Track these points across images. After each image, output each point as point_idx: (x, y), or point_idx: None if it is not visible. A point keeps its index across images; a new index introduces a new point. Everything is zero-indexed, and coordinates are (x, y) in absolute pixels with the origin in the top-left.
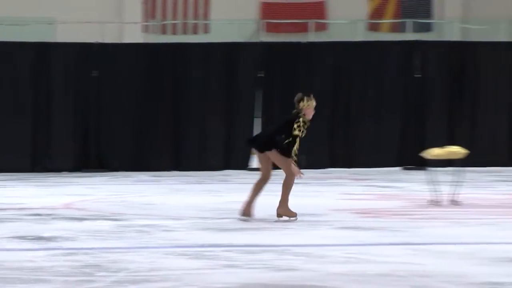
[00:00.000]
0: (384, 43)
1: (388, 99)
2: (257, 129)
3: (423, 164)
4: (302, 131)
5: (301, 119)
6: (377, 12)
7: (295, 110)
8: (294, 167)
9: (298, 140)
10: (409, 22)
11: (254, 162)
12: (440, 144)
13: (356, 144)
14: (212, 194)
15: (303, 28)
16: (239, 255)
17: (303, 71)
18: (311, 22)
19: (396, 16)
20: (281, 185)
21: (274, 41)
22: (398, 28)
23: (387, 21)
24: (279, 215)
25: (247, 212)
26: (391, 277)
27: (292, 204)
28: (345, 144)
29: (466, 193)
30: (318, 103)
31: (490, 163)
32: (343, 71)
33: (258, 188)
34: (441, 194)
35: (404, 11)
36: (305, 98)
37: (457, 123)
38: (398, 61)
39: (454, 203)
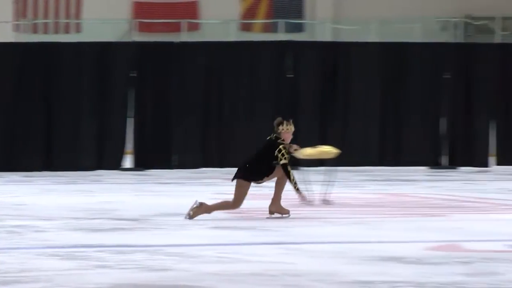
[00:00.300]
0: (257, 43)
1: (260, 99)
2: (129, 129)
3: (295, 163)
4: (286, 158)
5: (281, 147)
6: (249, 12)
7: (274, 134)
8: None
9: (289, 167)
10: (281, 22)
11: (127, 162)
12: (312, 144)
13: (228, 143)
14: (84, 194)
15: (176, 28)
16: (111, 256)
17: (175, 71)
18: (184, 22)
19: (268, 16)
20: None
21: (146, 40)
22: (270, 28)
23: (259, 21)
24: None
25: (283, 210)
26: (263, 276)
27: (164, 204)
28: (217, 144)
29: (337, 193)
30: (190, 103)
31: (361, 163)
32: (216, 71)
33: (279, 185)
34: (313, 193)
35: (276, 12)
36: (285, 122)
37: (329, 123)
38: (270, 61)
39: (326, 202)
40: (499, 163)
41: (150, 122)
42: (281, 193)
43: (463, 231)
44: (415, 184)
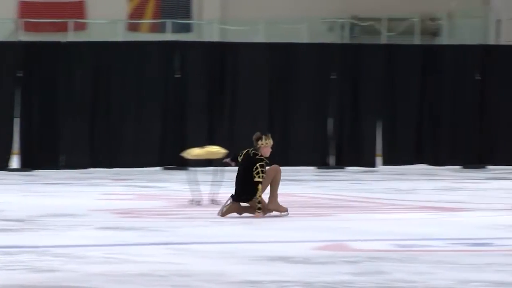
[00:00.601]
0: (144, 43)
1: (149, 99)
2: (16, 130)
3: (183, 164)
4: (262, 177)
5: (258, 166)
6: (137, 12)
7: (252, 150)
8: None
9: (260, 186)
10: (168, 22)
11: (14, 162)
12: (200, 144)
13: (117, 144)
14: None
15: (63, 28)
16: None
17: (62, 71)
18: (71, 22)
19: (155, 16)
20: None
21: (33, 40)
22: (158, 28)
23: (146, 21)
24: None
25: (281, 208)
26: (151, 277)
27: (51, 204)
28: (106, 144)
29: (225, 193)
30: (78, 103)
31: None
32: (103, 71)
33: (274, 183)
34: (202, 193)
35: (164, 12)
36: (263, 137)
37: (217, 123)
38: (158, 61)
39: (214, 202)
40: (385, 163)
41: (37, 123)
42: (276, 191)
43: (350, 231)
44: (303, 184)
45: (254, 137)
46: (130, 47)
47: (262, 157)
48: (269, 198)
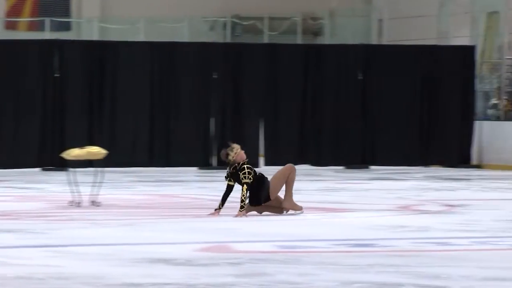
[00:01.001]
0: (22, 42)
1: (27, 99)
2: None
3: (63, 164)
4: (249, 178)
5: (245, 167)
6: (14, 10)
7: (231, 166)
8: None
9: (245, 187)
10: (47, 20)
11: None
12: (80, 145)
13: None
14: None
15: None
16: None
17: None
18: None
19: (33, 14)
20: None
21: None
22: (36, 27)
23: (24, 19)
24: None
25: (296, 207)
26: (29, 280)
27: None
28: None
29: (106, 194)
30: None
31: (129, 164)
32: None
33: (289, 182)
34: (82, 195)
35: (42, 10)
36: (228, 150)
37: (97, 123)
38: (37, 60)
39: (94, 204)
40: (267, 163)
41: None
42: (291, 189)
43: (233, 232)
44: (185, 184)
45: (223, 157)
46: (8, 46)
47: (243, 162)
48: (285, 196)
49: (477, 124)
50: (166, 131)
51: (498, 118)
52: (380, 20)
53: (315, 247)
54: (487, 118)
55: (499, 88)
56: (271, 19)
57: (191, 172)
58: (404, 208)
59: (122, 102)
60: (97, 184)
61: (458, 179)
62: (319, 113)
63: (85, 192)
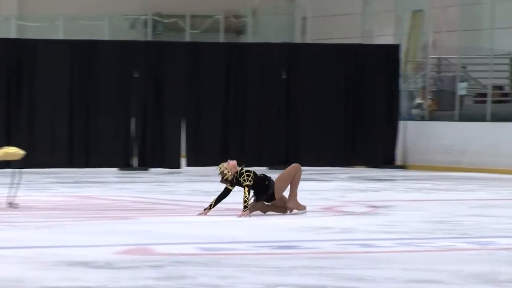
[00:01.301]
0: None
1: None
2: None
3: None
4: (250, 180)
5: (244, 171)
6: None
7: (232, 180)
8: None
9: (247, 189)
10: None
11: None
12: None
13: None
14: None
15: None
16: None
17: None
18: None
19: None
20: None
21: None
22: None
23: None
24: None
25: (300, 207)
26: None
27: None
28: None
29: (23, 196)
30: None
31: (48, 165)
32: None
33: (295, 181)
34: None
35: None
36: (222, 169)
37: (15, 123)
38: None
39: (12, 205)
40: (189, 164)
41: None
42: (296, 189)
43: (154, 234)
44: (105, 186)
45: (220, 175)
46: None
47: (241, 169)
48: (289, 196)
49: (402, 124)
50: (85, 131)
51: (422, 118)
52: (304, 18)
53: (237, 249)
54: (411, 118)
55: (423, 87)
56: (193, 17)
57: (111, 173)
58: (328, 209)
59: (40, 101)
60: (14, 186)
61: (383, 180)
62: (242, 113)
63: (3, 193)
